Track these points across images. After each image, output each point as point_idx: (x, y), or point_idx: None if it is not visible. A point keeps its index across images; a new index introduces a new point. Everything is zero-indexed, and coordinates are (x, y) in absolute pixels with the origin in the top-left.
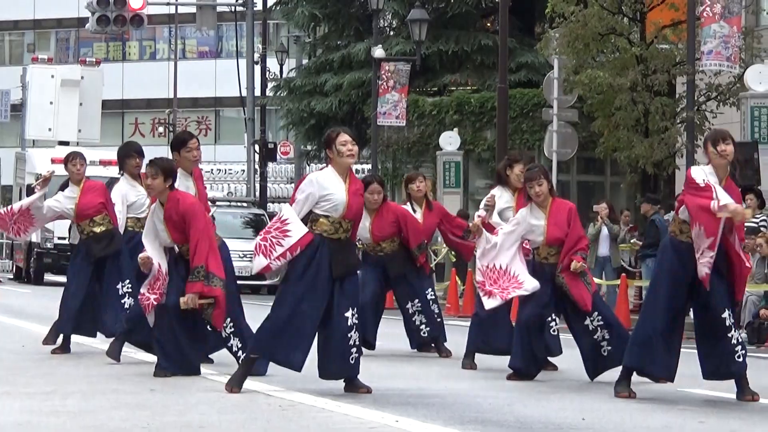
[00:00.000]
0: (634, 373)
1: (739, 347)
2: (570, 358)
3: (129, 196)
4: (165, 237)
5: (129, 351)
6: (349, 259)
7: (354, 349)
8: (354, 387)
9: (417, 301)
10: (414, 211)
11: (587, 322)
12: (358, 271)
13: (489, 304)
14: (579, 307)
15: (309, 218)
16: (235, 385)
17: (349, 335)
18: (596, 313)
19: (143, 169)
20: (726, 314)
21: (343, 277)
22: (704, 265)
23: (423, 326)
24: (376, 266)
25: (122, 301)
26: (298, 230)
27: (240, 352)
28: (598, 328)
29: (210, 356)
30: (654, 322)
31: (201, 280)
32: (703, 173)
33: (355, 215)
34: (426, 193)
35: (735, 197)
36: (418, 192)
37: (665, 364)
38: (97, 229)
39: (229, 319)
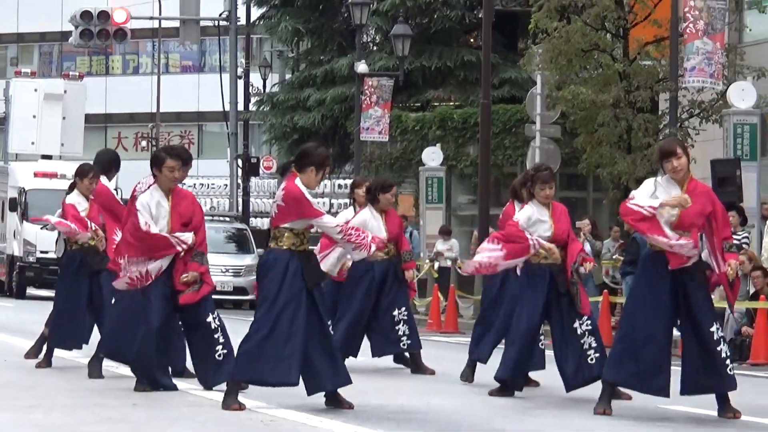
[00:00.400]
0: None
1: (728, 360)
2: (552, 375)
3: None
4: (164, 225)
5: (110, 365)
6: (319, 269)
7: (339, 356)
8: (337, 402)
9: (404, 309)
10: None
11: (577, 324)
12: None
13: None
14: (575, 307)
15: (272, 235)
16: (233, 402)
17: (333, 344)
18: (586, 318)
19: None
20: (714, 328)
21: (314, 288)
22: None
23: (404, 338)
24: (365, 275)
25: None
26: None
27: (221, 348)
28: (587, 333)
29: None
30: (634, 335)
31: (204, 264)
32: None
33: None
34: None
35: (701, 197)
36: (362, 197)
37: (651, 379)
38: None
39: (215, 314)
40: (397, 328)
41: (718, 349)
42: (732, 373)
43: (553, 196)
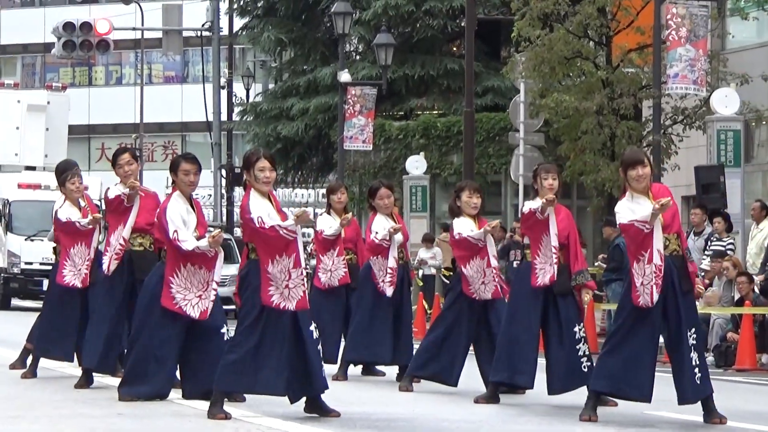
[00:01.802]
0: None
1: (697, 369)
2: (538, 382)
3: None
4: (192, 228)
5: (96, 376)
6: None
7: (322, 362)
8: (320, 409)
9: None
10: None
11: (576, 329)
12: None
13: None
14: (573, 313)
15: (249, 248)
16: (218, 411)
17: (318, 349)
18: (582, 324)
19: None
20: (690, 333)
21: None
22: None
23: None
24: (368, 280)
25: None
26: None
27: None
28: (582, 340)
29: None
30: (622, 345)
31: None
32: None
33: None
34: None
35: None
36: (338, 203)
37: (639, 386)
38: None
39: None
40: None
41: (690, 356)
42: (699, 382)
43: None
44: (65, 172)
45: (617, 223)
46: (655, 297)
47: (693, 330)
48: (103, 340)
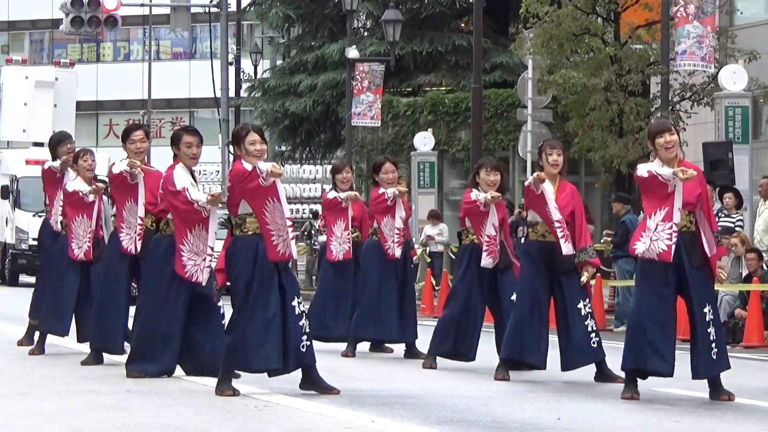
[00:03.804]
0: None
1: (714, 344)
2: (551, 360)
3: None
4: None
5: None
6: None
7: (305, 337)
8: (318, 387)
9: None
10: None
11: (581, 305)
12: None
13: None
14: (578, 289)
15: (234, 223)
16: (226, 388)
17: (300, 324)
18: (588, 300)
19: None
20: (707, 309)
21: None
22: (663, 240)
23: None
24: (372, 259)
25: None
26: None
27: None
28: (589, 316)
29: None
30: (644, 322)
31: None
32: (647, 167)
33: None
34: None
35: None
36: (343, 183)
37: (665, 361)
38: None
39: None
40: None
41: (708, 331)
42: (715, 358)
43: (562, 165)
44: (61, 143)
45: (635, 174)
46: (671, 253)
47: (708, 306)
48: (109, 320)
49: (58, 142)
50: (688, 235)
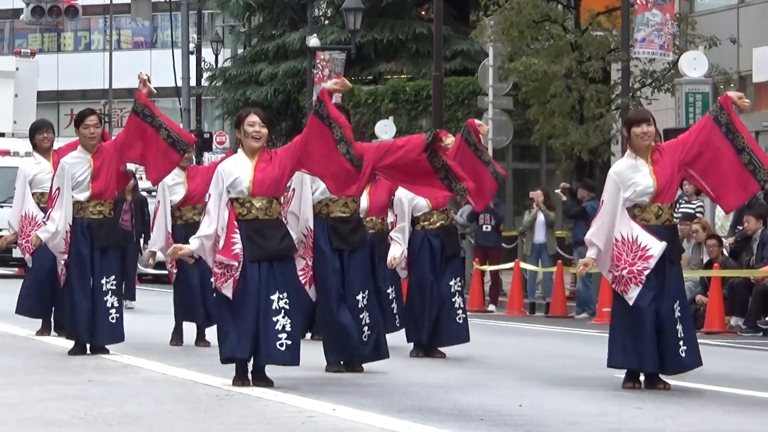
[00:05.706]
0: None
1: (681, 341)
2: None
3: (29, 172)
4: None
5: (64, 343)
6: (271, 243)
7: (284, 335)
8: (261, 380)
9: (394, 287)
10: None
11: (452, 283)
12: None
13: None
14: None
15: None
16: (238, 379)
17: (275, 319)
18: (458, 279)
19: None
20: (676, 305)
21: (270, 260)
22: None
23: (398, 316)
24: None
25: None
26: None
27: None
28: (456, 294)
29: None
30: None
31: None
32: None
33: (268, 190)
34: None
35: (667, 158)
36: None
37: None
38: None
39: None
40: (392, 306)
41: (676, 328)
42: (684, 355)
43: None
44: (38, 131)
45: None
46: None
47: (678, 302)
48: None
49: (35, 129)
50: (670, 229)
